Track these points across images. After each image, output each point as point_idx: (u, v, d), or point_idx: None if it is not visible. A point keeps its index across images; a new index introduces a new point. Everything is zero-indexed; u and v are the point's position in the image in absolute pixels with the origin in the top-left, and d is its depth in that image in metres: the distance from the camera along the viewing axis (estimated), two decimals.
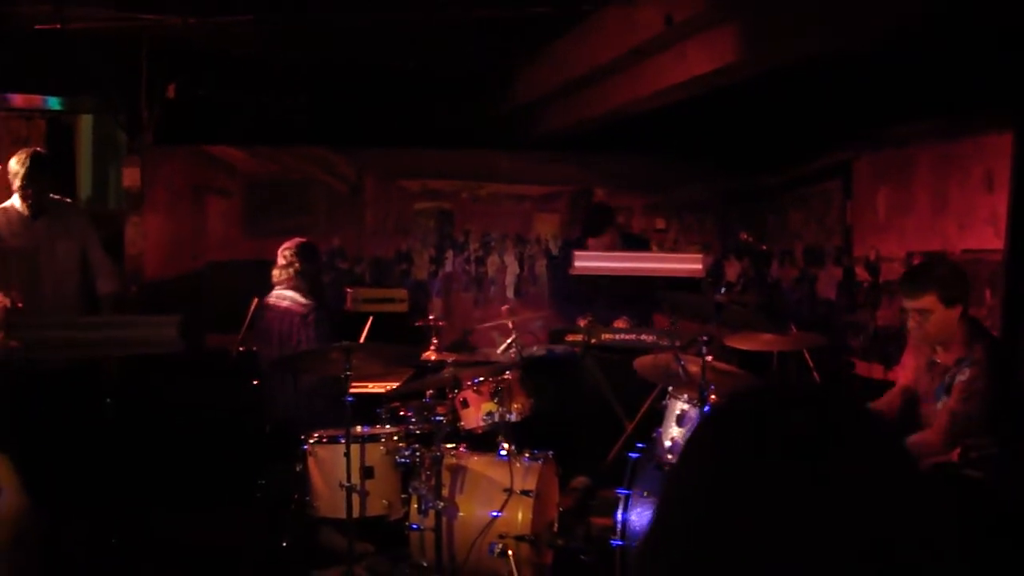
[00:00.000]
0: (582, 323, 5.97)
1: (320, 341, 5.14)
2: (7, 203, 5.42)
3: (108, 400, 5.14)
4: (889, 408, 4.19)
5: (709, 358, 4.19)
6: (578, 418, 5.82)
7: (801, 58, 4.56)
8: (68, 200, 5.71)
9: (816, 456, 0.98)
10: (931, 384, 4.00)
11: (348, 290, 6.87)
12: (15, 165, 5.27)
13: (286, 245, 5.39)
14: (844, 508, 0.96)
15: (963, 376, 3.78)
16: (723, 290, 4.89)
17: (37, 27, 5.81)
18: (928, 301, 3.85)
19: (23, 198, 5.32)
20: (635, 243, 6.44)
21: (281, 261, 5.34)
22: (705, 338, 4.00)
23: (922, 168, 6.01)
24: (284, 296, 5.29)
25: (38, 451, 4.34)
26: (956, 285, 3.90)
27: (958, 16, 4.07)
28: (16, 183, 5.28)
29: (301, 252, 5.35)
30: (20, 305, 4.65)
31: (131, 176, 7.06)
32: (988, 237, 5.29)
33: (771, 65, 4.71)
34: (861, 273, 6.68)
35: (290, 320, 5.21)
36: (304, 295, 5.29)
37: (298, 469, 4.59)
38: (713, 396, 4.08)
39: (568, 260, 6.45)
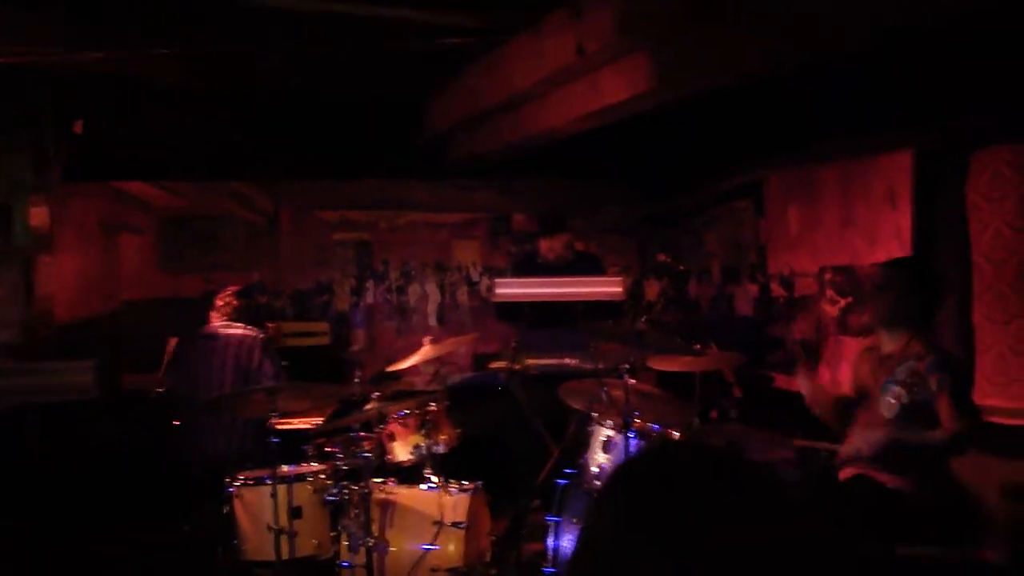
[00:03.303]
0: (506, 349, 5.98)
1: (276, 368, 5.38)
2: None
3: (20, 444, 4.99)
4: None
5: (632, 382, 4.24)
6: (507, 445, 5.83)
7: (713, 85, 4.67)
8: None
9: (706, 514, 1.05)
10: (876, 379, 4.08)
11: (269, 325, 6.79)
12: None
13: (224, 292, 5.67)
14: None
15: (942, 380, 3.87)
16: (644, 318, 4.97)
17: None
18: (892, 275, 4.06)
19: None
20: (586, 260, 6.44)
21: (219, 303, 5.56)
22: (627, 365, 4.05)
23: (829, 186, 6.19)
24: (231, 325, 5.46)
25: None
26: (921, 280, 4.07)
27: (861, 45, 4.22)
28: None
29: (238, 294, 5.65)
30: None
31: (39, 215, 6.85)
32: (894, 251, 5.46)
33: (684, 93, 4.81)
34: (776, 289, 6.84)
35: (249, 344, 5.38)
36: (246, 327, 5.51)
37: (224, 511, 4.51)
38: (638, 421, 4.14)
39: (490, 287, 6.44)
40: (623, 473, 1.18)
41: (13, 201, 7.34)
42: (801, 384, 4.36)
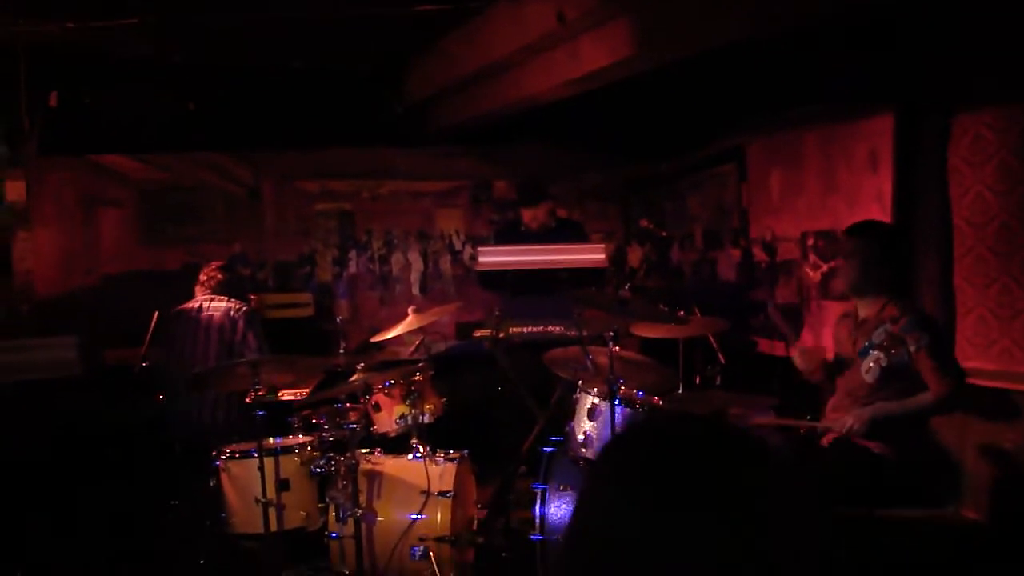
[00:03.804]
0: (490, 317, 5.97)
1: (259, 340, 5.40)
2: None
3: None
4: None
5: (616, 349, 4.24)
6: (492, 413, 5.85)
7: (694, 51, 4.64)
8: None
9: (700, 480, 1.06)
10: (854, 344, 4.13)
11: (252, 297, 6.77)
12: None
13: (208, 266, 5.67)
14: (723, 527, 1.04)
15: (920, 339, 3.90)
16: (627, 286, 4.97)
17: None
18: (855, 243, 4.12)
19: None
20: (569, 227, 6.44)
21: (203, 278, 5.56)
22: (611, 333, 4.05)
23: (811, 150, 6.19)
24: (215, 299, 5.47)
25: None
26: (886, 244, 4.09)
27: (843, 9, 4.20)
28: None
29: (222, 267, 5.66)
30: None
31: (15, 190, 6.78)
32: (875, 215, 5.47)
33: (665, 59, 4.78)
34: (758, 253, 6.86)
35: (232, 317, 5.40)
36: (230, 300, 5.52)
37: (211, 484, 4.52)
38: (623, 388, 4.16)
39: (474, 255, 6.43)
40: (615, 446, 1.19)
41: None
42: (797, 361, 4.41)
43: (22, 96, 6.45)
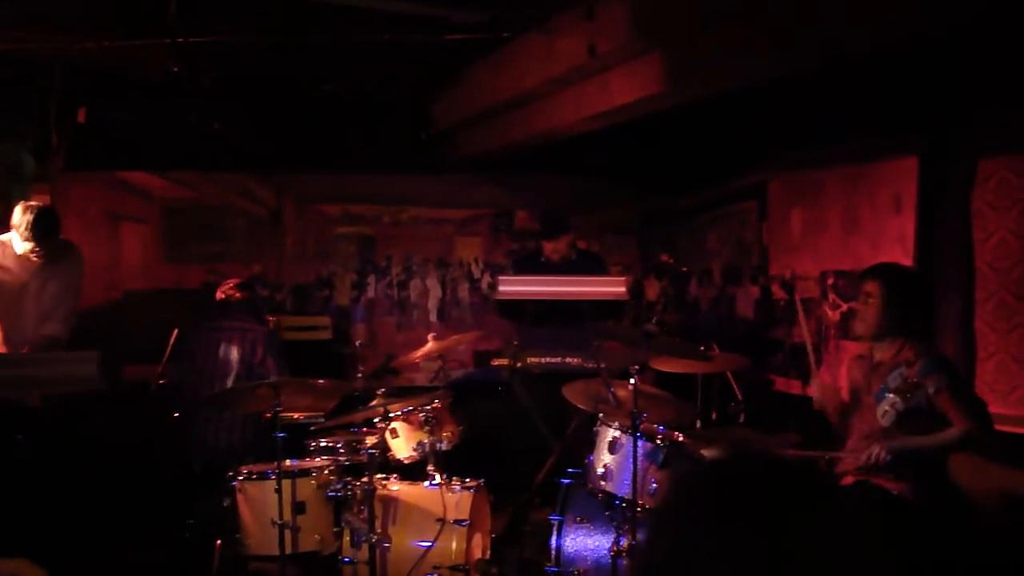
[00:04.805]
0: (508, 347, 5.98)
1: (279, 364, 5.37)
2: (6, 236, 5.19)
3: (20, 436, 4.96)
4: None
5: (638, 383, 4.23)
6: (509, 442, 5.84)
7: (726, 87, 4.66)
8: (68, 241, 5.44)
9: (775, 524, 1.05)
10: (869, 387, 4.10)
11: (270, 318, 6.79)
12: (19, 216, 5.04)
13: (225, 284, 5.66)
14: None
15: (939, 381, 3.86)
16: (654, 320, 4.98)
17: None
18: (872, 286, 4.04)
19: (24, 244, 5.10)
20: (589, 259, 6.46)
21: (220, 296, 5.55)
22: (637, 367, 4.05)
23: (834, 190, 6.20)
24: (235, 318, 5.46)
25: None
26: (903, 287, 4.06)
27: (871, 48, 4.22)
28: (20, 232, 5.04)
29: (239, 285, 5.61)
30: None
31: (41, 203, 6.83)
32: (897, 256, 5.48)
33: (695, 95, 4.81)
34: (777, 291, 6.85)
35: (252, 338, 5.37)
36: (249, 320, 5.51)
37: (226, 504, 4.51)
38: (645, 422, 4.15)
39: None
40: (690, 487, 1.18)
41: (13, 188, 7.31)
42: (814, 390, 4.37)
43: (52, 111, 6.52)
